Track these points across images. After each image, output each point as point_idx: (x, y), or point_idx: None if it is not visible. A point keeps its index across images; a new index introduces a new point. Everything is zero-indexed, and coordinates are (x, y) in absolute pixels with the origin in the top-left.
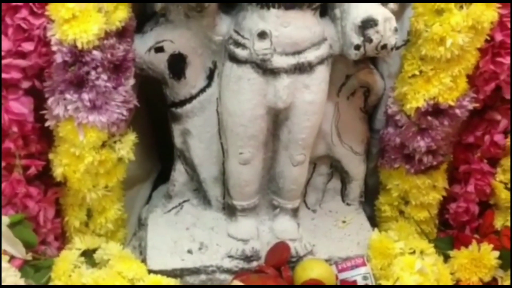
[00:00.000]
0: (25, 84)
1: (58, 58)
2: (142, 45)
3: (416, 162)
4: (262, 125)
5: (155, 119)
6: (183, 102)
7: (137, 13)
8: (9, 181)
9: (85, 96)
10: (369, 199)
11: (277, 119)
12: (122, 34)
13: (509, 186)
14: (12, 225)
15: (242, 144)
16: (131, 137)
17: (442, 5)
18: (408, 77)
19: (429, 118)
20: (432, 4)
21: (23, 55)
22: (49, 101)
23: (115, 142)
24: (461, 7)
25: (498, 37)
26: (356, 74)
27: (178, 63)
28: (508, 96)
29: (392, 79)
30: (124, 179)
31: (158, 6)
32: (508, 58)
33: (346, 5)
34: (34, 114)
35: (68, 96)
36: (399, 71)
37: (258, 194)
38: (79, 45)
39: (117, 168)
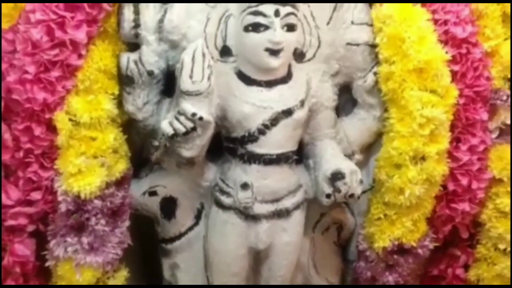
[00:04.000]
0: (30, 228)
1: (63, 207)
2: (137, 189)
3: None
4: (244, 263)
5: (144, 249)
6: (172, 239)
7: (134, 158)
8: None
9: (84, 239)
10: None
11: (258, 256)
12: (120, 182)
13: None
14: None
15: (226, 280)
16: (123, 273)
17: (400, 160)
18: (375, 219)
19: (395, 256)
20: (391, 159)
21: (30, 203)
22: (51, 244)
23: (108, 278)
24: (416, 163)
25: (451, 186)
26: (330, 212)
27: (169, 205)
28: (465, 236)
29: (362, 216)
30: None
31: (154, 157)
32: (461, 204)
33: (318, 157)
34: (35, 253)
35: (68, 239)
36: (367, 211)
37: None
38: (82, 196)
39: None
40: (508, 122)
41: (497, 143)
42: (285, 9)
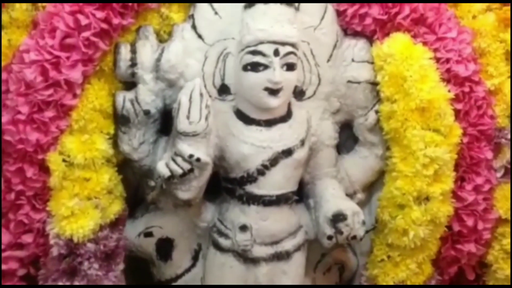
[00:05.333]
0: (21, 272)
1: (55, 251)
2: (132, 230)
3: None
4: None
5: None
6: (169, 282)
7: (129, 197)
8: None
9: (77, 284)
10: None
11: None
12: (115, 224)
13: None
14: None
15: None
16: None
17: (403, 201)
18: (378, 261)
19: None
20: (395, 199)
21: (21, 246)
22: None
23: None
24: (420, 203)
25: (456, 227)
26: (331, 253)
27: (165, 246)
28: (471, 277)
29: (364, 256)
30: None
31: (149, 197)
32: (467, 245)
33: (318, 197)
34: None
35: (60, 284)
36: (370, 251)
37: None
38: (75, 239)
39: None
40: None
41: (502, 182)
42: (284, 49)
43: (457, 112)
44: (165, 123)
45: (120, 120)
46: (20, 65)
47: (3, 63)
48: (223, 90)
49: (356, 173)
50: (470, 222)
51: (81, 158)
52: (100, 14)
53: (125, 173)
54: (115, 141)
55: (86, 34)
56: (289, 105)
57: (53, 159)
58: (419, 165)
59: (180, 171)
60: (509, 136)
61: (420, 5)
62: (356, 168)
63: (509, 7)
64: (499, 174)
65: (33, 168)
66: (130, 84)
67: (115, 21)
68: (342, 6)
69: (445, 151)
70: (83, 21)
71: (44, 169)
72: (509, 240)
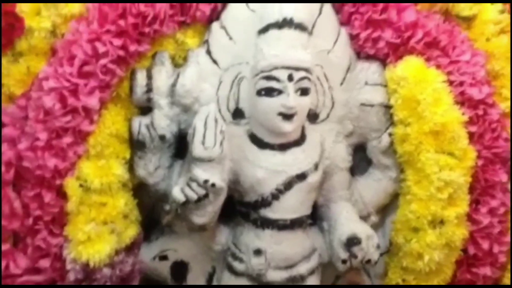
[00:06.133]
0: None
1: (71, 276)
2: (147, 253)
3: None
4: None
5: None
6: None
7: (144, 220)
8: None
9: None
10: None
11: None
12: (130, 247)
13: None
14: None
15: None
16: None
17: (418, 224)
18: (393, 285)
19: None
20: (409, 222)
21: (38, 271)
22: None
23: None
24: (435, 227)
25: (471, 250)
26: (345, 275)
27: (180, 270)
28: None
29: (378, 279)
30: None
31: (164, 220)
32: (482, 268)
33: (332, 220)
34: None
35: None
36: (384, 274)
37: None
38: (91, 264)
39: None
40: None
41: None
42: (298, 74)
43: (471, 135)
44: (179, 147)
45: (136, 145)
46: (39, 92)
47: (22, 90)
48: (237, 114)
49: (369, 196)
50: (485, 245)
51: (97, 183)
52: (117, 42)
53: (140, 195)
54: (130, 166)
55: (103, 61)
56: (303, 128)
57: (71, 184)
58: (433, 188)
59: (195, 196)
60: None
61: (433, 29)
62: (369, 191)
63: None
64: None
65: (50, 193)
66: (146, 109)
67: (132, 48)
68: (355, 30)
69: (459, 175)
70: (101, 48)
71: (62, 194)
72: None
